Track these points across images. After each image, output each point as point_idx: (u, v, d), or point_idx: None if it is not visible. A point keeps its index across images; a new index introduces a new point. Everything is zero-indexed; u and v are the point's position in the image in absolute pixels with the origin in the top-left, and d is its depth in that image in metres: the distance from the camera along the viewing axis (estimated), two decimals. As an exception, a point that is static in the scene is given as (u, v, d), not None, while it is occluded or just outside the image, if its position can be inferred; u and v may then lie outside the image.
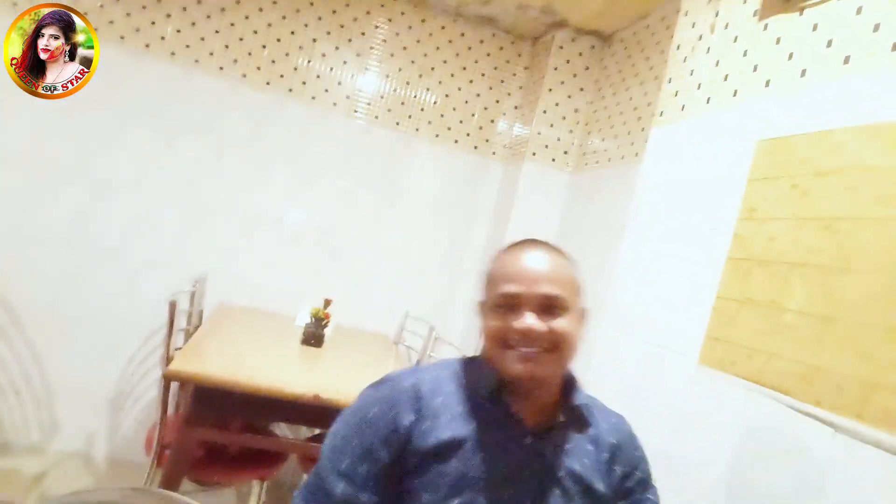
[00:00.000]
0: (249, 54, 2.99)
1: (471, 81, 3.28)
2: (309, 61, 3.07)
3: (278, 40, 3.02)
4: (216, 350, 2.11)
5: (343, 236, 3.13)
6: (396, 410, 0.93)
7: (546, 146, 3.04)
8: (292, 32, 3.04)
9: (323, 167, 3.10)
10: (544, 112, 3.03)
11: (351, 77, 3.13)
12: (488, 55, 3.29)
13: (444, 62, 3.24)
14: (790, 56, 1.47)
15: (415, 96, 3.21)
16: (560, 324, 0.93)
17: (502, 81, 3.32)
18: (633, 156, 2.50)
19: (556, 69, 3.03)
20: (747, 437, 1.30)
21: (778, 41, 1.53)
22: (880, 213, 1.12)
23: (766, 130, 1.48)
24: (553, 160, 3.04)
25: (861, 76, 1.26)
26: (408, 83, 3.20)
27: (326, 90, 3.09)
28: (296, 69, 3.05)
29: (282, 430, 2.86)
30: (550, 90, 3.03)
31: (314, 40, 3.07)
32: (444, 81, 3.24)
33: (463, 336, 3.21)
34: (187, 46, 2.90)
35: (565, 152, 3.06)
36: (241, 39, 2.97)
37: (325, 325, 2.47)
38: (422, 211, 3.23)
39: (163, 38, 2.88)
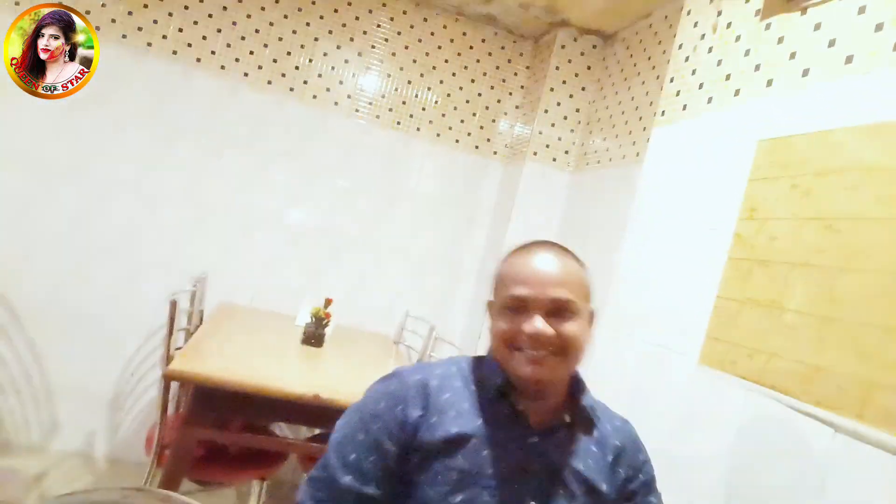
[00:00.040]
0: (251, 53, 2.99)
1: (472, 81, 3.27)
2: (310, 60, 3.07)
3: (280, 39, 3.02)
4: (216, 350, 2.10)
5: (344, 236, 3.13)
6: (404, 405, 0.94)
7: (547, 146, 3.03)
8: (294, 31, 3.04)
9: (324, 167, 3.09)
10: (545, 111, 3.02)
11: (352, 76, 3.13)
12: (490, 54, 3.29)
13: (446, 61, 3.23)
14: (792, 56, 1.47)
15: (416, 95, 3.21)
16: (569, 328, 0.93)
17: (504, 81, 3.31)
18: (635, 155, 2.49)
19: (557, 68, 3.03)
20: (747, 436, 1.29)
21: (780, 41, 1.52)
22: (881, 213, 1.12)
23: (767, 130, 1.48)
24: (554, 160, 3.04)
25: (863, 76, 1.25)
26: (409, 82, 3.19)
27: (328, 89, 3.09)
28: (297, 68, 3.05)
29: (282, 429, 2.86)
30: (552, 89, 3.03)
31: (316, 39, 3.07)
32: (446, 80, 3.24)
33: (463, 336, 3.20)
34: (189, 45, 2.91)
35: (566, 152, 3.05)
36: (242, 38, 2.97)
37: (326, 325, 2.47)
38: (422, 210, 3.23)
39: (164, 36, 2.88)
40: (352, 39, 3.11)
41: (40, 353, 2.80)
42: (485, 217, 3.30)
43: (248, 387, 1.77)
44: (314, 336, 2.42)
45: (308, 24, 3.05)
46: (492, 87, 3.30)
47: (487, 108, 3.30)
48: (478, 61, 3.27)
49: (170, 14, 2.88)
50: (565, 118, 3.05)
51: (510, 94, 3.32)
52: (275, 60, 3.02)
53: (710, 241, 1.56)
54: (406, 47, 3.18)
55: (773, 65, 1.52)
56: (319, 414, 1.86)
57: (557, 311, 0.94)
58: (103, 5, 2.79)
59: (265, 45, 3.00)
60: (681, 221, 1.72)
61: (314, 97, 3.07)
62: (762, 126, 1.50)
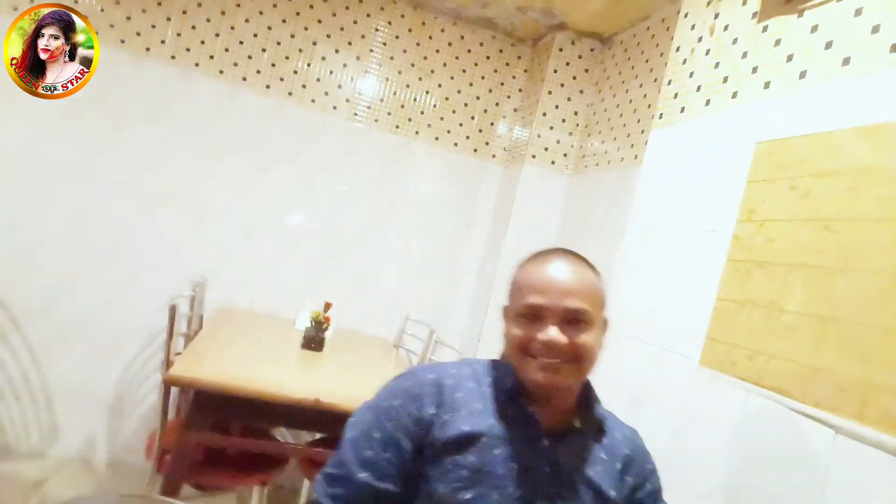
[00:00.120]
0: (249, 58, 2.99)
1: (470, 84, 3.28)
2: (309, 64, 3.07)
3: (278, 43, 3.03)
4: (216, 354, 2.10)
5: (343, 239, 3.13)
6: (420, 402, 0.95)
7: (546, 149, 3.04)
8: (292, 35, 3.04)
9: (323, 170, 3.10)
10: (544, 114, 3.03)
11: (351, 80, 3.13)
12: (488, 58, 3.30)
13: (444, 65, 3.24)
14: (789, 57, 1.47)
15: (414, 99, 3.21)
16: (582, 338, 0.94)
17: (502, 84, 3.32)
18: (633, 158, 2.50)
19: (555, 71, 3.04)
20: (748, 438, 1.29)
21: (777, 43, 1.53)
22: (880, 213, 1.12)
23: (765, 132, 1.48)
24: (553, 163, 3.04)
25: (860, 77, 1.26)
26: (407, 86, 3.20)
27: (326, 93, 3.10)
28: (296, 72, 3.06)
29: (282, 434, 2.86)
30: (550, 93, 3.03)
31: (314, 43, 3.07)
32: (444, 84, 3.24)
33: (463, 338, 3.20)
34: (187, 50, 2.91)
35: (565, 155, 3.06)
36: (241, 43, 2.98)
37: (326, 329, 2.47)
38: (422, 214, 3.23)
39: (163, 41, 2.88)
40: (350, 43, 3.12)
41: (39, 356, 2.80)
42: (484, 220, 3.30)
43: (248, 391, 1.77)
44: (314, 340, 2.42)
45: (306, 28, 3.06)
46: (490, 91, 3.30)
47: (486, 111, 3.30)
48: (476, 65, 3.28)
49: (168, 19, 2.88)
50: (563, 121, 3.05)
51: (508, 97, 3.32)
52: (273, 65, 3.02)
53: (709, 243, 1.56)
54: (404, 51, 3.19)
55: (771, 67, 1.53)
56: (320, 418, 1.87)
57: (572, 320, 0.95)
58: (102, 10, 2.79)
59: (263, 50, 3.01)
60: (680, 223, 1.73)
61: (312, 101, 3.08)
62: (760, 128, 1.50)
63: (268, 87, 3.02)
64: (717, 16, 1.80)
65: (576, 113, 3.06)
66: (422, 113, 3.22)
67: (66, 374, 2.83)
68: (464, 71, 3.27)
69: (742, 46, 1.65)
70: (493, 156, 3.32)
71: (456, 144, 3.26)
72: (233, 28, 2.96)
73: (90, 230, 2.82)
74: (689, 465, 1.41)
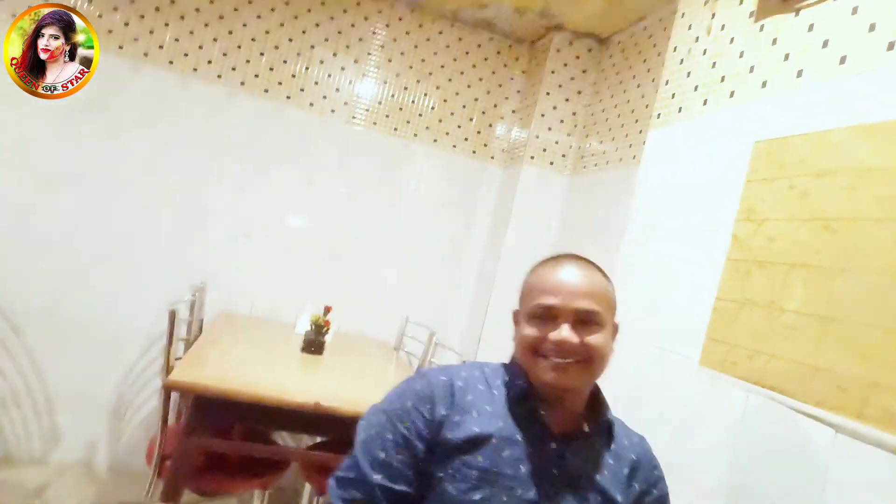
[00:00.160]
0: (247, 62, 2.99)
1: (468, 86, 3.28)
2: (307, 68, 3.08)
3: (276, 47, 3.03)
4: (216, 359, 2.10)
5: (342, 242, 3.13)
6: (432, 403, 0.96)
7: (544, 150, 3.04)
8: (290, 39, 3.05)
9: (321, 173, 3.10)
10: (542, 115, 3.03)
11: (349, 83, 3.13)
12: (486, 59, 3.30)
13: (442, 67, 3.24)
14: (786, 57, 1.47)
15: (412, 102, 3.21)
16: (594, 338, 0.95)
17: (500, 85, 3.32)
18: (632, 158, 2.50)
19: (553, 72, 3.04)
20: (748, 437, 1.29)
21: (774, 42, 1.53)
22: (879, 212, 1.12)
23: (763, 131, 1.48)
24: (551, 163, 3.04)
25: (857, 76, 1.25)
26: (405, 88, 3.20)
27: (324, 97, 3.10)
28: (294, 76, 3.06)
29: (283, 438, 2.85)
30: (548, 94, 3.03)
31: (312, 47, 3.08)
32: (442, 86, 3.25)
33: (463, 340, 3.20)
34: (185, 55, 2.91)
35: (563, 156, 3.06)
36: (238, 47, 2.98)
37: (326, 333, 2.46)
38: (421, 216, 3.23)
39: (161, 46, 2.88)
40: (348, 47, 3.12)
41: (39, 361, 2.80)
42: (483, 221, 3.30)
43: (248, 396, 1.77)
44: (314, 344, 2.42)
45: (304, 31, 3.06)
46: (488, 92, 3.31)
47: (484, 112, 3.30)
48: (474, 66, 3.28)
49: (166, 24, 2.88)
50: (562, 122, 3.05)
51: (506, 98, 3.32)
52: (271, 69, 3.03)
53: (709, 243, 1.56)
54: (402, 53, 3.19)
55: (768, 66, 1.53)
56: (320, 422, 1.86)
57: (583, 321, 0.96)
58: (100, 16, 2.80)
59: (262, 54, 3.01)
60: (679, 223, 1.72)
61: (311, 105, 3.08)
62: (758, 127, 1.50)
63: (266, 91, 3.02)
64: (713, 15, 1.80)
65: (574, 114, 3.06)
66: (420, 115, 3.22)
67: (67, 380, 2.83)
68: (462, 73, 3.27)
69: (739, 46, 1.65)
70: (492, 157, 3.32)
71: (455, 146, 3.26)
72: (231, 33, 2.97)
73: (89, 235, 2.82)
74: (689, 464, 1.41)
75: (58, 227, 2.80)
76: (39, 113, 2.73)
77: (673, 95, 1.91)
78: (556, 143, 3.05)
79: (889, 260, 1.08)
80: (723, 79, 1.69)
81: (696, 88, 1.80)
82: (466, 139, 3.28)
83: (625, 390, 1.71)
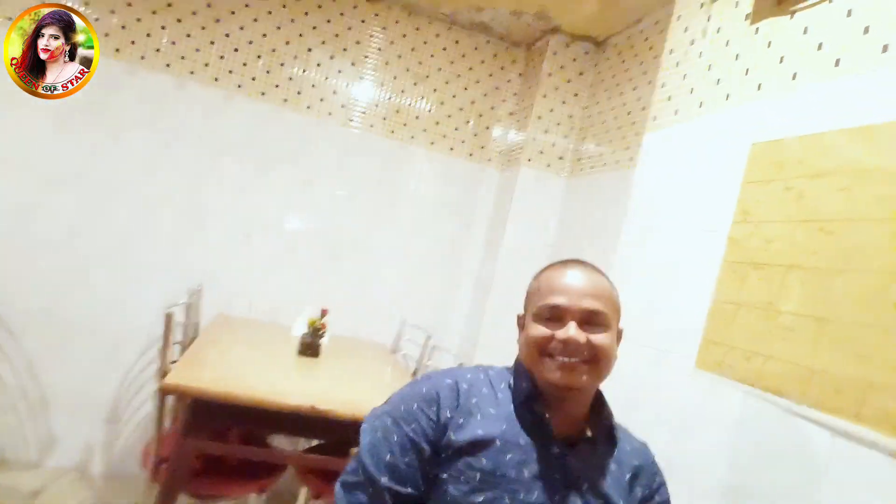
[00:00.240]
0: (244, 65, 2.99)
1: (465, 88, 3.28)
2: (304, 71, 3.08)
3: (273, 50, 3.03)
4: (212, 362, 2.09)
5: (339, 244, 3.13)
6: (438, 406, 0.96)
7: (541, 152, 3.04)
8: (287, 42, 3.04)
9: (319, 176, 3.10)
10: (539, 118, 3.03)
11: (346, 86, 3.14)
12: (483, 62, 3.30)
13: (439, 69, 3.25)
14: (781, 59, 1.48)
15: (410, 104, 3.21)
16: (600, 338, 0.96)
17: (497, 88, 3.32)
18: (628, 160, 2.50)
19: (550, 75, 3.04)
20: (745, 439, 1.29)
21: (769, 44, 1.53)
22: (874, 213, 1.12)
23: (759, 133, 1.48)
24: (548, 165, 3.05)
25: (852, 78, 1.26)
26: (403, 91, 3.20)
27: (322, 99, 3.10)
28: (291, 79, 3.06)
29: (279, 441, 2.84)
30: (545, 96, 3.04)
31: (309, 50, 3.08)
32: (439, 89, 3.25)
33: (460, 343, 3.20)
34: (182, 58, 2.91)
35: (561, 158, 3.06)
36: (235, 50, 2.98)
37: (322, 335, 2.46)
38: (418, 218, 3.23)
39: (158, 49, 2.88)
40: (345, 49, 3.12)
41: (35, 364, 2.78)
42: (481, 223, 3.30)
43: (244, 399, 1.76)
44: (311, 346, 2.41)
45: (301, 34, 3.06)
46: (485, 95, 3.31)
47: (481, 115, 3.31)
48: (471, 69, 3.29)
49: (163, 27, 2.88)
50: (559, 124, 3.06)
51: (504, 100, 3.33)
52: (268, 71, 3.02)
53: (705, 245, 1.56)
54: (399, 56, 3.19)
55: (763, 68, 1.53)
56: (317, 425, 1.86)
57: (590, 321, 0.97)
58: (97, 19, 2.79)
59: (258, 57, 3.01)
60: (676, 225, 1.73)
61: (308, 107, 3.08)
62: (754, 129, 1.50)
63: (263, 94, 3.02)
64: (709, 18, 1.80)
65: (571, 116, 3.06)
66: (417, 118, 3.22)
67: (63, 383, 2.81)
68: (459, 75, 3.27)
69: (735, 48, 1.66)
70: (489, 159, 3.32)
71: (452, 149, 3.27)
72: (227, 35, 2.96)
73: (88, 236, 2.82)
74: (687, 466, 1.40)
75: (56, 229, 2.79)
76: (38, 114, 2.72)
77: (669, 98, 1.91)
78: (554, 145, 3.05)
79: (885, 261, 1.08)
80: (719, 81, 1.69)
81: (692, 91, 1.81)
82: (464, 142, 3.28)
83: (622, 392, 1.70)
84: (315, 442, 2.39)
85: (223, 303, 2.96)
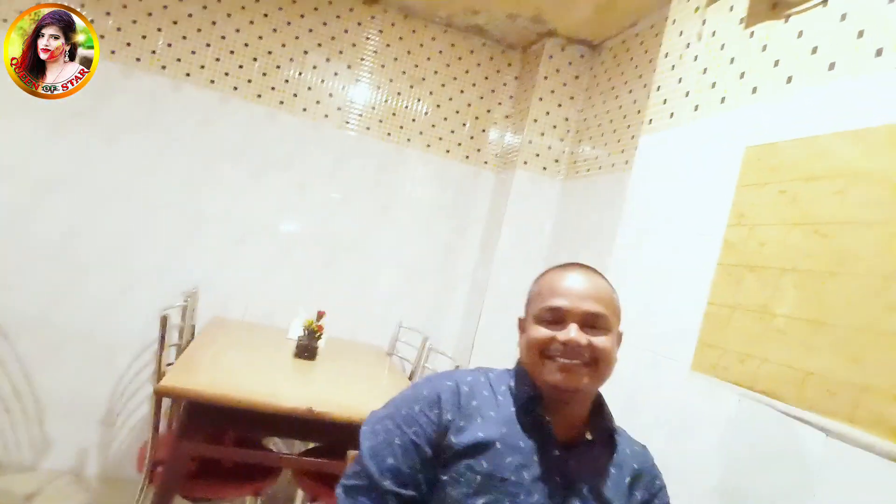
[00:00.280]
0: (240, 67, 2.99)
1: (461, 91, 3.29)
2: (300, 73, 3.08)
3: (269, 53, 3.03)
4: (208, 365, 2.09)
5: (335, 247, 3.13)
6: (439, 408, 0.97)
7: (537, 155, 3.05)
8: (283, 44, 3.05)
9: (315, 179, 3.10)
10: (535, 121, 3.04)
11: (342, 89, 3.14)
12: (479, 65, 3.31)
13: (435, 72, 3.25)
14: (776, 63, 1.48)
15: (406, 107, 3.22)
16: (601, 341, 0.97)
17: (493, 91, 3.33)
18: (624, 163, 2.51)
19: (546, 78, 3.05)
20: (740, 441, 1.30)
21: (764, 48, 1.54)
22: (868, 216, 1.13)
23: (754, 137, 1.49)
24: (544, 168, 3.05)
25: (846, 82, 1.27)
26: (399, 94, 3.21)
27: (318, 102, 3.10)
28: (287, 81, 3.06)
29: (275, 444, 2.84)
30: (541, 99, 3.05)
31: (305, 52, 3.08)
32: (435, 92, 3.25)
33: (456, 346, 3.20)
34: (178, 60, 2.91)
35: (556, 160, 3.07)
36: (231, 52, 2.98)
37: (319, 338, 2.46)
38: (414, 221, 3.23)
39: (153, 51, 2.88)
40: (341, 52, 3.13)
41: (30, 369, 2.78)
42: (476, 226, 3.31)
43: (240, 401, 1.76)
44: (307, 349, 2.41)
45: (297, 37, 3.06)
46: (481, 98, 3.32)
47: (477, 118, 3.31)
48: (466, 72, 3.29)
49: (158, 29, 2.88)
50: (555, 127, 3.06)
51: (499, 103, 3.33)
52: (264, 74, 3.02)
53: (700, 248, 1.57)
54: (395, 59, 3.20)
55: (758, 72, 1.54)
56: (313, 427, 1.86)
57: (591, 324, 0.98)
58: (92, 21, 2.78)
59: (254, 59, 3.01)
60: (671, 228, 1.73)
61: (304, 110, 3.08)
62: (749, 132, 1.51)
63: (259, 96, 3.02)
64: (704, 22, 1.81)
65: (567, 119, 3.07)
66: (413, 120, 3.23)
67: (58, 387, 2.80)
68: (455, 78, 3.28)
69: (730, 52, 1.67)
70: (485, 162, 3.32)
71: (448, 151, 3.27)
72: (223, 38, 2.96)
73: (81, 240, 2.81)
74: (682, 468, 1.41)
75: (51, 232, 2.78)
76: (33, 118, 2.72)
77: (664, 101, 1.92)
78: (549, 148, 3.06)
79: (878, 263, 1.08)
80: (714, 85, 1.70)
81: (687, 94, 1.81)
82: (459, 144, 3.29)
83: (618, 395, 1.71)
84: (311, 445, 2.38)
85: (219, 306, 2.95)
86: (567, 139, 3.07)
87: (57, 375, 2.80)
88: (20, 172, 2.74)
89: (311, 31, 3.08)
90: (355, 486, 0.95)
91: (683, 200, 1.71)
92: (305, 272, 3.08)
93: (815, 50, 1.37)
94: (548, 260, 2.99)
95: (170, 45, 2.90)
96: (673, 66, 1.92)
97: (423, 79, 3.23)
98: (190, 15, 2.91)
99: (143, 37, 2.86)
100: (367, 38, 3.16)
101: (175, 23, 2.90)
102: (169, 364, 2.14)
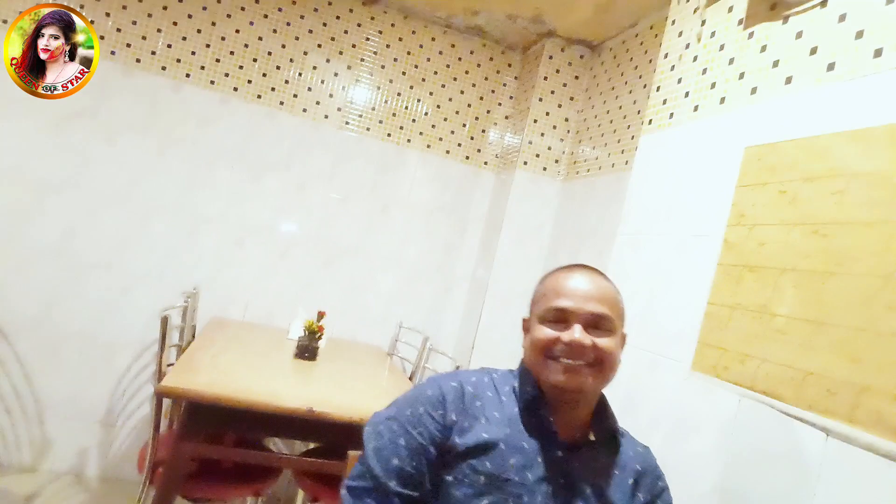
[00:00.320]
0: (240, 68, 2.99)
1: (461, 92, 3.29)
2: (300, 74, 3.08)
3: (269, 54, 3.03)
4: (209, 365, 2.09)
5: (336, 248, 3.13)
6: (444, 409, 0.97)
7: (537, 155, 3.05)
8: (283, 45, 3.05)
9: (315, 179, 3.10)
10: (535, 121, 3.04)
11: (342, 89, 3.14)
12: (478, 66, 3.31)
13: (435, 73, 3.25)
14: (775, 63, 1.49)
15: (406, 107, 3.22)
16: (605, 342, 0.97)
17: (493, 91, 3.33)
18: (624, 164, 2.51)
19: (546, 78, 3.05)
20: (740, 441, 1.30)
21: (763, 49, 1.54)
22: (867, 216, 1.13)
23: (753, 137, 1.49)
24: (544, 169, 3.06)
25: (845, 82, 1.27)
26: (399, 94, 3.21)
27: (318, 102, 3.10)
28: (287, 82, 3.06)
29: (276, 444, 2.84)
30: (541, 99, 3.05)
31: (305, 53, 3.08)
32: (435, 92, 3.26)
33: (456, 346, 3.20)
34: (178, 61, 2.91)
35: (556, 161, 3.07)
36: (231, 53, 2.98)
37: (319, 338, 2.46)
38: (414, 221, 3.24)
39: (153, 52, 2.88)
40: (341, 53, 3.13)
41: (30, 370, 2.78)
42: (476, 226, 3.31)
43: (241, 402, 1.76)
44: (307, 349, 2.41)
45: (297, 38, 3.07)
46: (481, 98, 3.32)
47: (477, 118, 3.32)
48: (466, 72, 3.30)
49: (158, 30, 2.88)
50: (555, 127, 3.07)
51: (499, 104, 3.34)
52: (264, 75, 3.03)
53: (700, 248, 1.57)
54: (395, 60, 3.20)
55: (757, 72, 1.54)
56: (314, 428, 1.86)
57: (595, 325, 0.98)
58: (92, 21, 2.78)
59: (254, 60, 3.01)
60: (671, 228, 1.73)
61: (304, 110, 3.08)
62: (749, 133, 1.51)
63: (259, 96, 3.02)
64: (703, 23, 1.82)
65: (566, 119, 3.07)
66: (413, 121, 3.23)
67: (58, 388, 2.81)
68: (454, 79, 3.28)
69: (729, 53, 1.67)
70: (485, 163, 3.33)
71: (448, 152, 3.27)
72: (223, 39, 2.97)
73: (82, 242, 2.81)
74: (682, 469, 1.41)
75: (50, 233, 2.78)
76: (31, 119, 2.72)
77: (664, 101, 1.92)
78: (549, 148, 3.06)
79: (878, 263, 1.09)
80: (713, 85, 1.70)
81: (686, 94, 1.82)
82: (459, 145, 3.29)
83: (618, 395, 1.71)
84: (312, 445, 2.38)
85: (219, 306, 2.96)
86: (567, 139, 3.08)
87: (57, 376, 2.80)
88: (20, 173, 2.74)
89: (311, 31, 3.08)
90: (361, 487, 0.95)
91: (683, 200, 1.71)
92: (306, 272, 3.09)
93: (814, 50, 1.38)
94: (548, 260, 2.99)
95: (170, 45, 2.90)
96: (672, 67, 1.93)
97: (423, 79, 3.24)
98: (190, 16, 2.92)
99: (143, 38, 2.87)
100: (367, 39, 3.16)
101: (175, 24, 2.90)
102: (169, 364, 2.14)
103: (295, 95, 3.07)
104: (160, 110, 2.89)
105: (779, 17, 1.51)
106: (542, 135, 3.06)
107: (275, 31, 3.03)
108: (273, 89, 3.04)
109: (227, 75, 2.97)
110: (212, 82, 2.95)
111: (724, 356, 1.40)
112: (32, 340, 2.77)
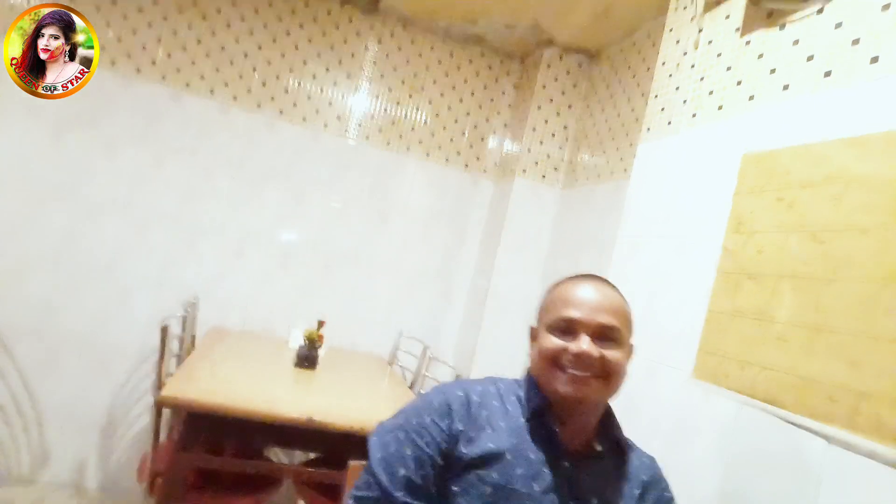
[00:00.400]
0: (240, 77, 3.01)
1: (460, 100, 3.31)
2: (299, 83, 3.09)
3: (268, 63, 3.04)
4: (209, 375, 2.09)
5: (335, 256, 3.13)
6: (450, 418, 0.96)
7: (536, 163, 3.06)
8: (282, 55, 3.06)
9: (314, 187, 3.11)
10: (534, 129, 3.05)
11: (341, 98, 3.15)
12: (477, 74, 3.33)
13: (434, 82, 3.27)
14: (772, 71, 1.49)
15: (405, 116, 3.23)
16: (613, 354, 0.97)
17: (492, 100, 3.35)
18: (623, 171, 2.52)
19: (544, 87, 3.06)
20: (740, 448, 1.29)
21: (760, 56, 1.55)
22: (865, 222, 1.13)
23: (751, 144, 1.50)
24: (543, 177, 3.06)
25: (842, 89, 1.28)
26: (398, 103, 3.22)
27: (317, 111, 3.11)
28: (286, 91, 3.07)
29: (276, 454, 2.83)
30: (539, 107, 3.06)
31: (304, 62, 3.09)
32: (434, 101, 3.27)
33: (456, 354, 3.20)
34: (178, 70, 2.92)
35: (555, 168, 3.08)
36: (231, 63, 2.99)
37: (319, 347, 2.46)
38: (413, 229, 3.24)
39: (153, 62, 2.90)
40: (340, 62, 3.14)
41: (29, 379, 2.77)
42: (476, 234, 3.31)
43: (241, 411, 1.76)
44: (307, 358, 2.41)
45: (297, 47, 3.08)
46: (480, 106, 3.33)
47: (476, 126, 3.33)
48: (465, 81, 3.31)
49: (158, 40, 2.90)
50: (553, 135, 3.08)
51: (498, 112, 3.35)
52: (264, 84, 3.04)
53: (699, 255, 1.57)
54: (394, 69, 3.21)
55: (755, 80, 1.55)
56: (314, 437, 1.85)
57: (604, 336, 0.97)
58: (92, 33, 2.80)
59: (254, 69, 3.02)
60: (669, 235, 1.74)
61: (304, 119, 3.09)
62: (746, 140, 1.52)
63: (259, 105, 3.03)
64: (701, 30, 1.83)
65: (565, 127, 3.08)
66: (413, 129, 3.24)
67: (57, 398, 2.80)
68: (454, 87, 3.29)
69: (726, 60, 1.68)
70: (484, 171, 3.34)
71: (447, 160, 3.28)
72: (223, 48, 2.98)
73: (81, 250, 2.81)
74: (683, 475, 1.41)
75: (49, 243, 2.78)
76: (31, 127, 2.73)
77: (662, 109, 1.93)
78: (548, 156, 3.07)
79: (876, 269, 1.09)
80: (711, 93, 1.71)
81: (684, 102, 1.82)
82: (459, 153, 3.30)
83: (619, 402, 1.70)
84: (312, 455, 2.38)
85: (219, 316, 2.95)
86: (566, 147, 3.09)
87: (56, 386, 2.80)
88: (19, 181, 2.74)
89: (310, 41, 3.10)
90: (367, 497, 0.94)
91: (682, 208, 1.72)
92: (305, 281, 3.09)
93: (810, 58, 1.38)
94: (547, 267, 2.99)
95: (169, 55, 2.91)
96: (670, 75, 1.93)
97: (422, 87, 3.25)
98: (189, 26, 2.93)
99: (144, 48, 2.88)
100: (367, 48, 3.18)
101: (175, 34, 2.92)
102: (169, 374, 2.13)
103: (294, 104, 3.08)
104: (160, 119, 2.90)
105: (776, 25, 1.52)
106: (541, 143, 3.06)
107: (274, 40, 3.05)
108: (273, 98, 3.05)
109: (226, 84, 2.98)
110: (211, 92, 2.96)
111: (723, 363, 1.39)
112: (31, 349, 2.77)
